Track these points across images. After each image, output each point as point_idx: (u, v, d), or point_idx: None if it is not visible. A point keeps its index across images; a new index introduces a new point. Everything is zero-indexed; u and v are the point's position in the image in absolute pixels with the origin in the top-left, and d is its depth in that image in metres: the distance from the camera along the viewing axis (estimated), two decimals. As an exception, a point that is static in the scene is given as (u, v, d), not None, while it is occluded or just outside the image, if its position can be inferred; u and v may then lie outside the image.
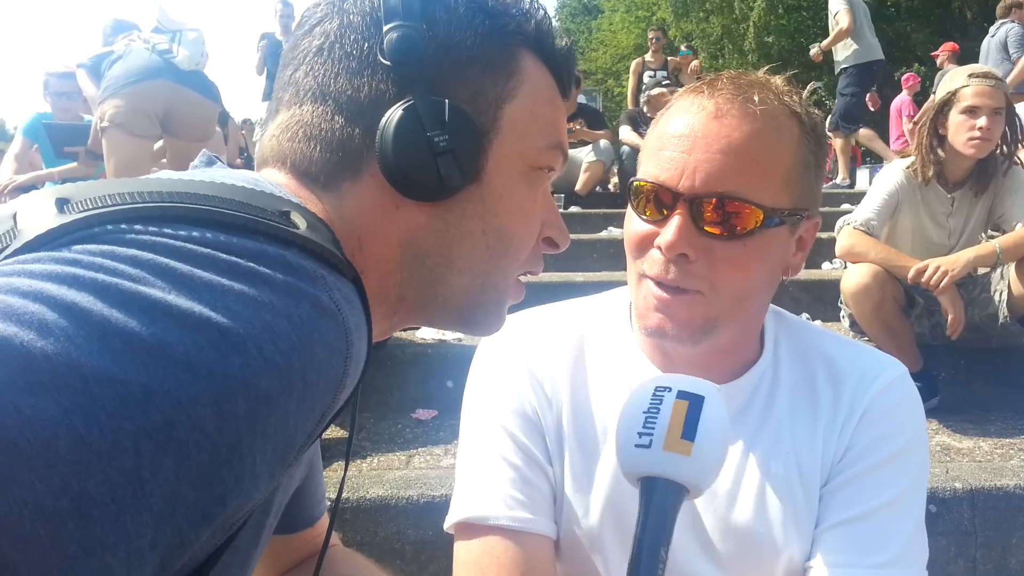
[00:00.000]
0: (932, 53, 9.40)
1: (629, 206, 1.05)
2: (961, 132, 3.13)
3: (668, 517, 0.82)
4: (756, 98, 0.99)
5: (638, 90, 9.46)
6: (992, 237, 3.20)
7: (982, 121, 3.09)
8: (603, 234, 5.91)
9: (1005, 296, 3.13)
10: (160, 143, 4.85)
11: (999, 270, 3.18)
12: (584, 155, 7.64)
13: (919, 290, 3.16)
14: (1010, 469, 2.51)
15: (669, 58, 9.86)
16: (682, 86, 8.71)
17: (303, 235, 0.59)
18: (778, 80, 1.06)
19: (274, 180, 0.73)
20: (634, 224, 1.04)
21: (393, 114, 0.70)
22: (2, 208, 0.57)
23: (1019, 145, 3.26)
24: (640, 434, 0.84)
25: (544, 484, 1.11)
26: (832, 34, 8.01)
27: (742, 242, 0.98)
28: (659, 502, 0.84)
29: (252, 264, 0.53)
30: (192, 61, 4.39)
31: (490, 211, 0.75)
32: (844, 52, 8.05)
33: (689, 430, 0.83)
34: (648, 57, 9.88)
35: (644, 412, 0.85)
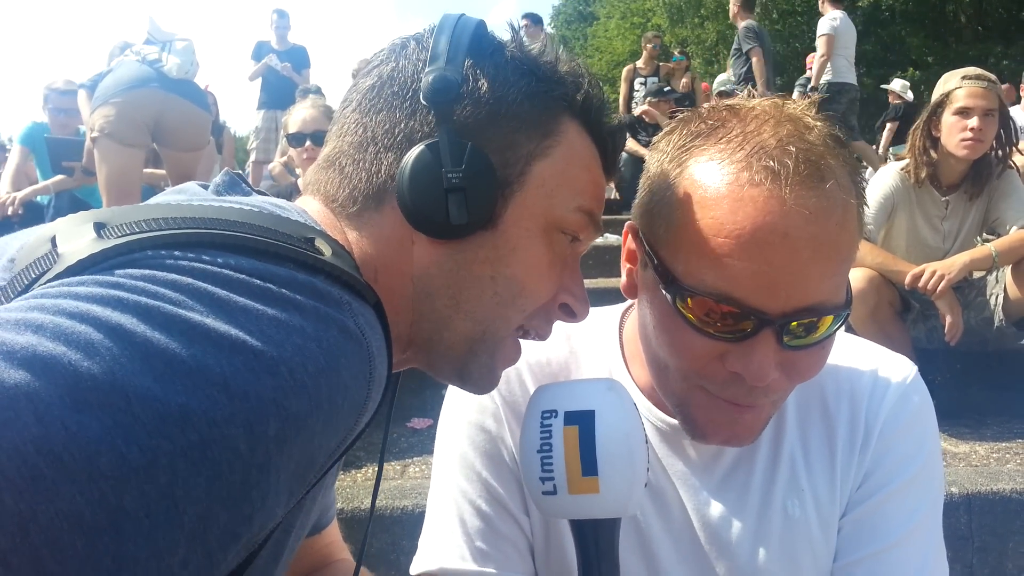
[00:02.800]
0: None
1: (679, 307, 0.85)
2: (953, 133, 3.13)
3: (605, 552, 0.80)
4: (827, 172, 0.81)
5: (630, 97, 9.42)
6: (987, 240, 3.20)
7: (974, 122, 3.09)
8: (599, 240, 5.89)
9: (1001, 300, 3.13)
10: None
11: (995, 273, 3.18)
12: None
13: (915, 294, 3.15)
14: (1006, 473, 2.51)
15: (661, 64, 9.80)
16: (677, 93, 8.70)
17: (329, 261, 0.61)
18: (818, 121, 0.85)
19: (304, 207, 0.77)
20: (691, 339, 0.86)
21: (416, 149, 0.74)
22: (38, 231, 0.61)
23: (1013, 148, 3.26)
24: (542, 479, 0.81)
25: (517, 535, 1.03)
26: None
27: (821, 345, 0.87)
28: (591, 542, 0.81)
29: (283, 290, 0.56)
30: (182, 70, 4.36)
31: (502, 260, 0.76)
32: None
33: (588, 463, 0.78)
34: (640, 64, 9.80)
35: (538, 451, 0.81)
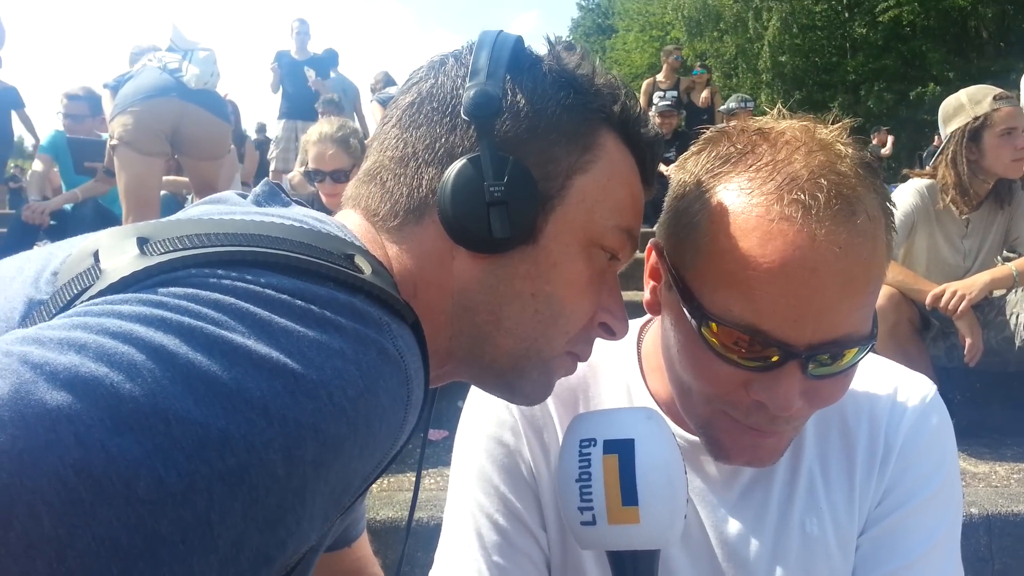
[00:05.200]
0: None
1: (703, 333, 0.85)
2: (1004, 154, 3.13)
3: None
4: (858, 206, 0.80)
5: (648, 110, 9.41)
6: (1008, 259, 3.18)
7: (1021, 141, 3.11)
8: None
9: (1022, 319, 3.10)
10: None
11: (1015, 293, 3.15)
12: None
13: (934, 312, 3.13)
14: (1027, 495, 2.48)
15: (681, 77, 9.76)
16: (691, 105, 8.68)
17: (368, 280, 0.61)
18: (849, 148, 0.83)
19: (346, 221, 0.77)
20: (715, 365, 0.85)
21: (458, 163, 0.74)
22: (81, 243, 0.61)
23: None
24: (581, 509, 0.79)
25: (535, 550, 1.03)
26: None
27: (845, 374, 0.87)
28: (630, 574, 0.79)
29: (324, 311, 0.55)
30: (201, 80, 4.36)
31: (542, 275, 0.76)
32: None
33: (628, 492, 0.77)
34: (660, 77, 9.75)
35: (577, 480, 0.80)
